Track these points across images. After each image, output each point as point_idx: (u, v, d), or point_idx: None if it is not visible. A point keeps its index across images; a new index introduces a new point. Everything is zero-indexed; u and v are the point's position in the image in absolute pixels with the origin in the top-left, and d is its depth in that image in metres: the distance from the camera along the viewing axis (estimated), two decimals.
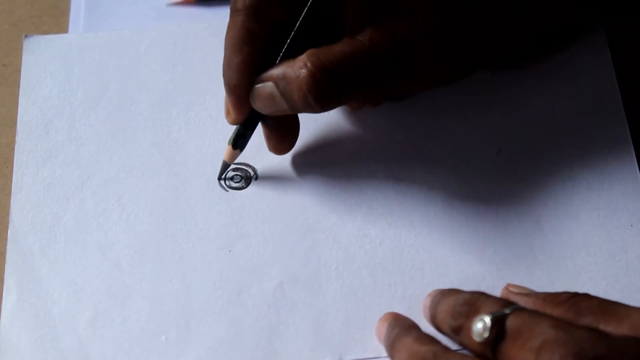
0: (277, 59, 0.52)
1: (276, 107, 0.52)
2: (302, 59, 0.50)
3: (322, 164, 0.56)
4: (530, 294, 0.48)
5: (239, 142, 0.55)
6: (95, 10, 0.63)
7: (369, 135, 0.57)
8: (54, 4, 0.64)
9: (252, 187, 0.56)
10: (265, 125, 0.55)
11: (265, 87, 0.52)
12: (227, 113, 0.54)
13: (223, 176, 0.56)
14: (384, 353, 0.49)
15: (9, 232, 0.55)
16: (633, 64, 0.58)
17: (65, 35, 0.62)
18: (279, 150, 0.55)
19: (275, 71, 0.51)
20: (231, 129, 0.55)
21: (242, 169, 0.56)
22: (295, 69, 0.50)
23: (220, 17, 0.61)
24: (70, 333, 0.52)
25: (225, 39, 0.53)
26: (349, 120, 0.57)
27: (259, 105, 0.53)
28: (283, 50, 0.52)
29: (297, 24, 0.51)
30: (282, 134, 0.55)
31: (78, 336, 0.51)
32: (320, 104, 0.51)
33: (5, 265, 0.54)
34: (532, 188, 0.54)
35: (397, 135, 0.57)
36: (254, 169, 0.56)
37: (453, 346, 0.48)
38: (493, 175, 0.55)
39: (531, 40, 0.55)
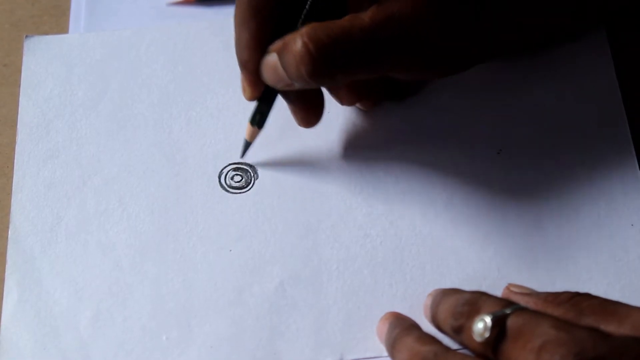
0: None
1: (281, 80, 0.51)
2: (301, 31, 0.50)
3: (322, 163, 0.56)
4: (531, 293, 0.48)
5: (256, 118, 0.54)
6: (95, 10, 0.63)
7: (370, 134, 0.57)
8: (55, 3, 0.64)
9: (253, 187, 0.56)
10: (287, 100, 0.54)
11: (270, 58, 0.51)
12: (243, 90, 0.54)
13: (224, 176, 0.56)
14: (385, 353, 0.49)
15: (9, 232, 0.55)
16: (634, 64, 0.58)
17: (65, 35, 0.62)
18: (306, 123, 0.55)
19: (279, 42, 0.51)
20: (232, 127, 0.55)
21: (243, 168, 0.56)
22: (293, 41, 0.50)
23: (221, 16, 0.62)
24: (71, 332, 0.52)
25: (234, 17, 0.52)
26: (350, 120, 0.57)
27: (266, 77, 0.52)
28: (297, 26, 0.51)
29: (308, 2, 0.51)
30: (306, 107, 0.54)
31: (79, 335, 0.52)
32: (313, 78, 0.50)
33: (6, 265, 0.54)
34: (533, 188, 0.54)
35: (397, 135, 0.57)
36: (254, 169, 0.56)
37: (454, 346, 0.48)
38: (493, 175, 0.55)
39: (535, 28, 0.55)
